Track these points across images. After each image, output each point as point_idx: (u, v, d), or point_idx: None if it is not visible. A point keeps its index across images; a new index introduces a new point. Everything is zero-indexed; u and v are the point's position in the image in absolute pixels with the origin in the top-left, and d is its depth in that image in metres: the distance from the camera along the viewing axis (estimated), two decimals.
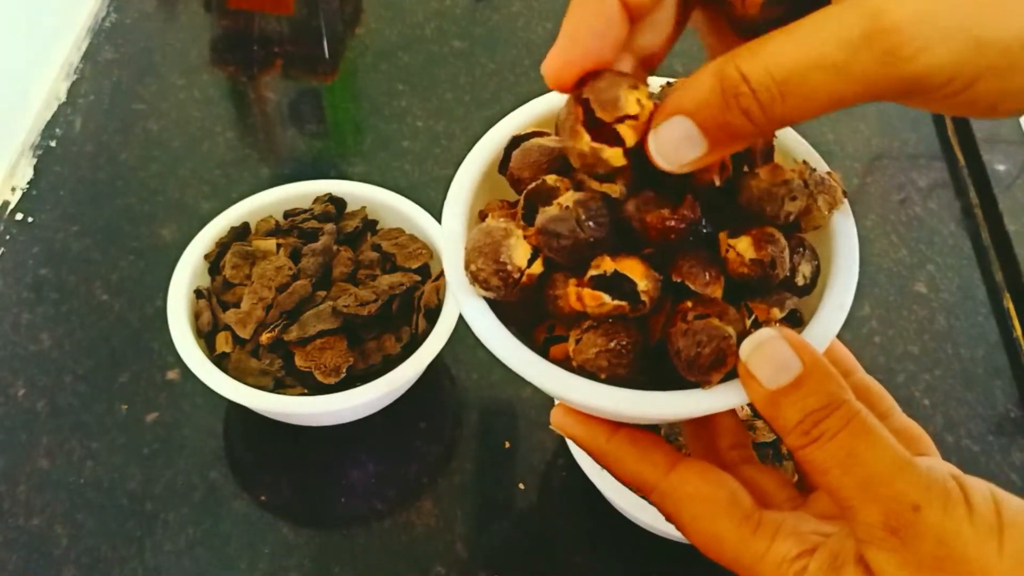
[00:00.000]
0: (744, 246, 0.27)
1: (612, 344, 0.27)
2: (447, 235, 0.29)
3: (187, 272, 0.44)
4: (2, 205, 0.55)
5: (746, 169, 0.27)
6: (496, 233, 0.27)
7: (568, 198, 0.26)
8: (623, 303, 0.26)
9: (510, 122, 0.31)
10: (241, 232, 0.47)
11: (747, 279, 0.27)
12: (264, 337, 0.41)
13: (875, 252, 0.57)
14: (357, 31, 0.68)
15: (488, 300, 0.28)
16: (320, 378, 0.41)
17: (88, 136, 0.59)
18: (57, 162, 0.58)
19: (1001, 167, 0.61)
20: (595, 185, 0.27)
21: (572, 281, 0.27)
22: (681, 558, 0.43)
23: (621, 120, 0.24)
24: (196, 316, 0.43)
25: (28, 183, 0.56)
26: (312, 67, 0.66)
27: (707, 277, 0.27)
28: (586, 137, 0.25)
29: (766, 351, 0.25)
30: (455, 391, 0.49)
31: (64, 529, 0.42)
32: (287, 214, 0.48)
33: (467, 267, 0.27)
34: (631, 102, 0.24)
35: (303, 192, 0.48)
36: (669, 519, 0.29)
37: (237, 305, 0.43)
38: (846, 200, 0.29)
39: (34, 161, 0.58)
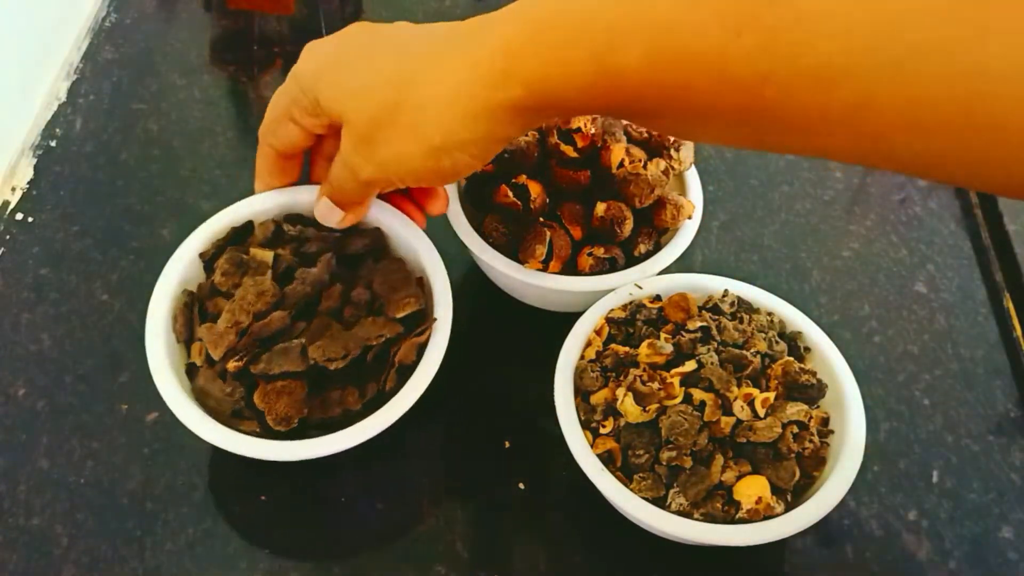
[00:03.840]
0: (601, 207, 0.46)
1: (501, 225, 0.47)
2: None
3: (178, 269, 0.43)
4: (2, 205, 0.55)
5: (631, 162, 0.47)
6: None
7: (528, 139, 0.48)
8: (518, 201, 0.46)
9: None
10: (242, 233, 0.45)
11: (598, 230, 0.47)
12: (231, 365, 0.40)
13: (875, 252, 0.57)
14: None
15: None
16: (270, 423, 0.40)
17: (88, 136, 0.59)
18: (57, 162, 0.58)
19: None
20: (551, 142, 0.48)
21: (503, 185, 0.47)
22: (681, 558, 0.43)
23: (574, 131, 0.47)
24: (174, 320, 0.43)
25: (28, 183, 0.56)
26: None
27: (574, 218, 0.47)
28: (555, 137, 0.47)
29: None
30: (455, 391, 0.49)
31: (64, 529, 0.42)
32: (292, 219, 0.46)
33: None
34: (580, 122, 0.46)
35: (313, 198, 0.46)
36: None
37: (218, 316, 0.42)
38: (694, 218, 0.48)
39: (34, 161, 0.58)
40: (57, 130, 0.60)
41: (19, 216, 0.55)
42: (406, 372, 0.42)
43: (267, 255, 0.44)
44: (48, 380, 0.47)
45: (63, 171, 0.57)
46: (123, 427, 0.46)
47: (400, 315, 0.43)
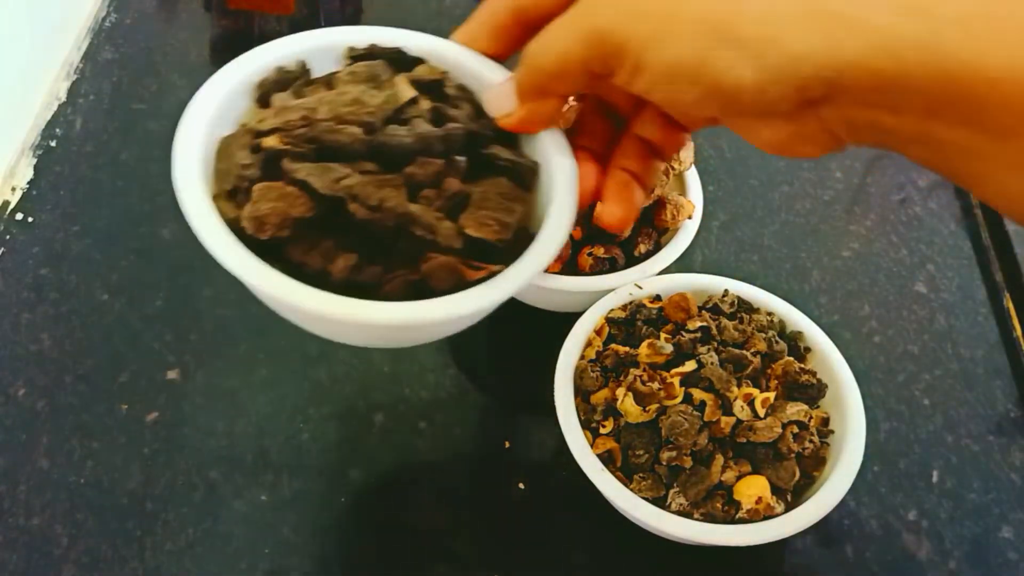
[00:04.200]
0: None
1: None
2: None
3: (318, 43, 0.36)
4: (2, 205, 0.55)
5: None
6: None
7: None
8: None
9: None
10: (405, 62, 0.36)
11: (598, 230, 0.46)
12: (270, 141, 0.32)
13: (875, 252, 0.57)
14: None
15: None
16: (242, 217, 0.31)
17: (88, 136, 0.59)
18: (57, 162, 0.58)
19: None
20: None
21: None
22: (681, 558, 0.43)
23: None
24: (268, 76, 0.35)
25: (28, 183, 0.56)
26: None
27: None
28: None
29: None
30: (454, 391, 0.49)
31: (64, 529, 0.42)
32: (460, 87, 0.36)
33: None
34: None
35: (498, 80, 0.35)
36: None
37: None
38: (694, 218, 0.48)
39: (34, 161, 0.58)
40: (57, 130, 0.60)
41: (19, 216, 0.55)
42: (422, 294, 0.31)
43: (409, 91, 0.34)
44: (48, 380, 0.47)
45: (63, 171, 0.57)
46: (123, 427, 0.46)
47: (470, 231, 0.32)
